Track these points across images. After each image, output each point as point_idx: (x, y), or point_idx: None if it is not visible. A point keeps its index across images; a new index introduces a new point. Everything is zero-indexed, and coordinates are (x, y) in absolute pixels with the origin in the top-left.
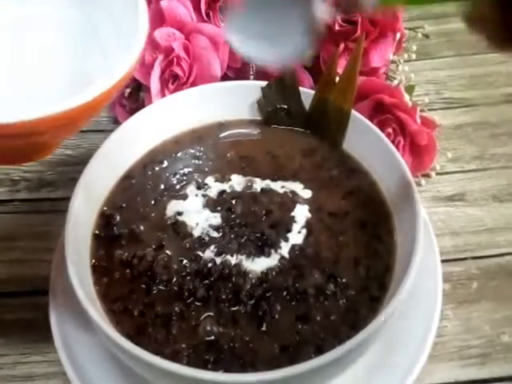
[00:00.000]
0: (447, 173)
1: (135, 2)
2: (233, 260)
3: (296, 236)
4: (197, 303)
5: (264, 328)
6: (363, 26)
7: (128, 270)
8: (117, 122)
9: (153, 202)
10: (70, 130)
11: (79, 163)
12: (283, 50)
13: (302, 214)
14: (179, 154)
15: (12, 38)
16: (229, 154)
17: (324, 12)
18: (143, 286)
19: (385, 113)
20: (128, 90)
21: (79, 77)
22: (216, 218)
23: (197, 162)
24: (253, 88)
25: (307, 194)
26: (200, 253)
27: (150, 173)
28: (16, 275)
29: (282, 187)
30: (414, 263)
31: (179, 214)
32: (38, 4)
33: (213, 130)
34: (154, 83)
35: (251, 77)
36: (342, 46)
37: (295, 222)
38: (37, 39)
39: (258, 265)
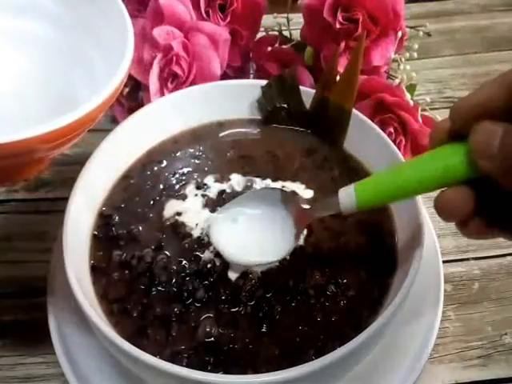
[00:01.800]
0: None
1: (124, 27)
2: None
3: None
4: (196, 304)
5: (264, 329)
6: (364, 24)
7: (127, 271)
8: (115, 122)
9: (152, 203)
10: (59, 147)
11: (77, 163)
12: (263, 255)
13: None
14: (178, 154)
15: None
16: (228, 154)
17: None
18: (142, 286)
19: (386, 112)
20: (127, 89)
21: (66, 98)
22: None
23: (196, 161)
24: (253, 87)
25: (308, 193)
26: (199, 253)
27: (148, 173)
28: (14, 276)
29: (283, 187)
30: (416, 264)
31: (178, 214)
32: (31, 23)
33: (212, 129)
34: (153, 82)
35: (251, 75)
36: (342, 44)
37: None
38: (22, 59)
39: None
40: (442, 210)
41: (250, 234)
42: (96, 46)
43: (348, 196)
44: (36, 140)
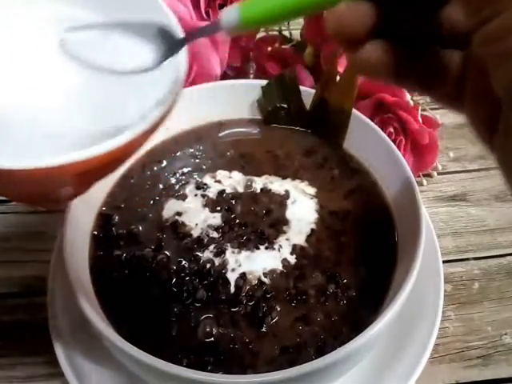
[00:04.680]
0: (449, 172)
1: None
2: (232, 260)
3: (297, 236)
4: (196, 304)
5: (264, 329)
6: None
7: (127, 271)
8: None
9: (152, 202)
10: (97, 177)
11: None
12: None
13: None
14: (178, 154)
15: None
16: (229, 154)
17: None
18: (142, 286)
19: (386, 112)
20: None
21: (114, 119)
22: (215, 218)
23: (196, 161)
24: (253, 87)
25: (310, 191)
26: (199, 253)
27: (148, 173)
28: (14, 276)
29: (283, 187)
30: (416, 264)
31: (178, 214)
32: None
33: (212, 129)
34: None
35: (251, 75)
36: None
37: None
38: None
39: (258, 265)
40: (331, 21)
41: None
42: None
43: (232, 11)
44: (59, 170)
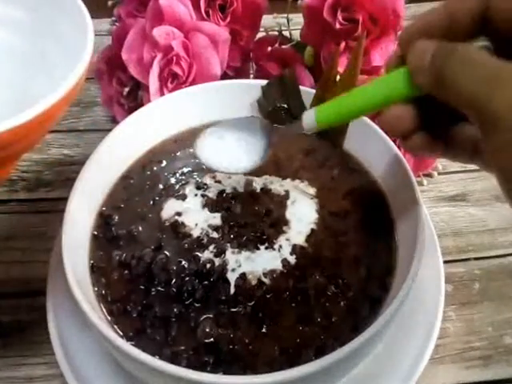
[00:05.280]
0: (449, 172)
1: (84, 26)
2: (232, 261)
3: (297, 236)
4: (196, 304)
5: (264, 330)
6: (364, 24)
7: (126, 271)
8: (115, 121)
9: (151, 203)
10: (20, 147)
11: (77, 163)
12: (243, 162)
13: None
14: (178, 154)
15: None
16: None
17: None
18: (142, 287)
19: None
20: (127, 89)
21: (29, 101)
22: (215, 219)
23: (196, 161)
24: (253, 87)
25: (310, 191)
26: (199, 253)
27: (148, 173)
28: (13, 276)
29: (283, 187)
30: (416, 264)
31: (178, 214)
32: None
33: None
34: (153, 82)
35: (251, 75)
36: (342, 44)
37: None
38: None
39: (258, 265)
40: (385, 125)
41: (230, 149)
42: (57, 48)
43: (309, 116)
44: None
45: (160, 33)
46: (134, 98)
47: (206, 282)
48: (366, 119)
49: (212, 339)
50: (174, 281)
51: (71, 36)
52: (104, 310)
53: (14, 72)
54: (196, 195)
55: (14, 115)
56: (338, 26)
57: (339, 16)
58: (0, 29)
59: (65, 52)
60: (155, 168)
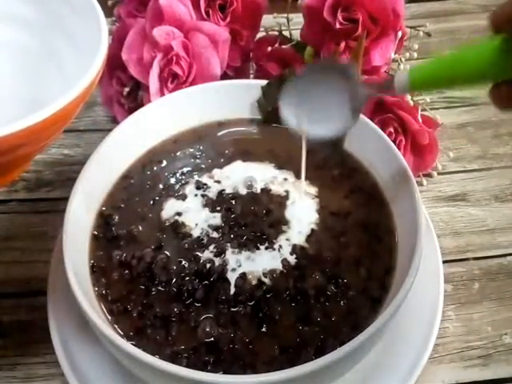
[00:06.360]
0: (449, 172)
1: (98, 25)
2: (232, 260)
3: (297, 236)
4: (196, 304)
5: (264, 329)
6: (364, 24)
7: (127, 271)
8: (115, 122)
9: (152, 203)
10: (35, 148)
11: (77, 163)
12: (332, 124)
13: None
14: (178, 154)
15: None
16: (229, 153)
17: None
18: (142, 286)
19: (386, 112)
20: (127, 89)
21: (41, 100)
22: (215, 219)
23: (196, 161)
24: (253, 87)
25: (310, 190)
26: (199, 253)
27: (148, 173)
28: (14, 276)
29: (283, 187)
30: (416, 264)
31: (178, 214)
32: (1, 28)
33: (212, 129)
34: (153, 82)
35: (251, 75)
36: (342, 44)
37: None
38: None
39: (258, 265)
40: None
41: (313, 110)
42: (70, 46)
43: (402, 79)
44: (3, 140)
45: (160, 33)
46: (134, 98)
47: (206, 282)
48: (366, 119)
49: (212, 339)
50: (174, 280)
51: (84, 34)
52: (104, 309)
53: (26, 69)
54: (196, 195)
55: (28, 115)
56: (338, 25)
57: (339, 16)
58: (12, 25)
59: (77, 51)
60: (155, 168)
